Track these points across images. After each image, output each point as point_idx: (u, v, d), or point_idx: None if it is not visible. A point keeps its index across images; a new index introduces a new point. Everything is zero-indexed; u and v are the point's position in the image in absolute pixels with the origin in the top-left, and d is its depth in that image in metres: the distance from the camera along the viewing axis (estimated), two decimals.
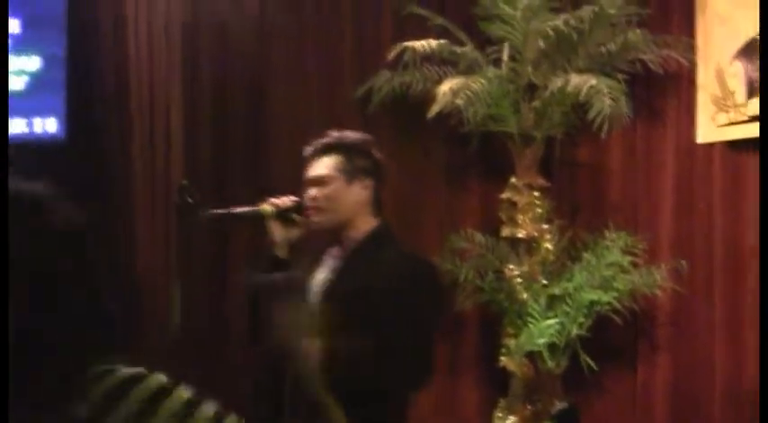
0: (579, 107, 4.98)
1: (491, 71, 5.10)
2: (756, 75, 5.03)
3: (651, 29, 5.22)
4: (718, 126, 5.22)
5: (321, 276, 3.33)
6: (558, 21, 5.03)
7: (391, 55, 5.24)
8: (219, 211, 3.27)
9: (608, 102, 4.75)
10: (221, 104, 5.78)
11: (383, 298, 3.14)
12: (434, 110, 4.96)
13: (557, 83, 4.93)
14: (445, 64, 5.29)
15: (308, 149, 3.37)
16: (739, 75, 5.12)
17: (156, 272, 5.68)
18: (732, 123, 5.16)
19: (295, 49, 5.76)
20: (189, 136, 5.73)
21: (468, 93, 4.90)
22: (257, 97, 5.77)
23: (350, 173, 3.29)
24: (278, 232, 3.34)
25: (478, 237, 5.32)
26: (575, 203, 5.53)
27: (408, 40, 5.25)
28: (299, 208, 3.31)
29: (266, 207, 3.32)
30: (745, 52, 5.10)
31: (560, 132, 5.27)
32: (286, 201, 3.34)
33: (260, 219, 3.31)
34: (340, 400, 2.93)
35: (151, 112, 5.81)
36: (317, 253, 3.38)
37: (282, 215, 3.31)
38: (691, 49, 5.24)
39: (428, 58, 5.25)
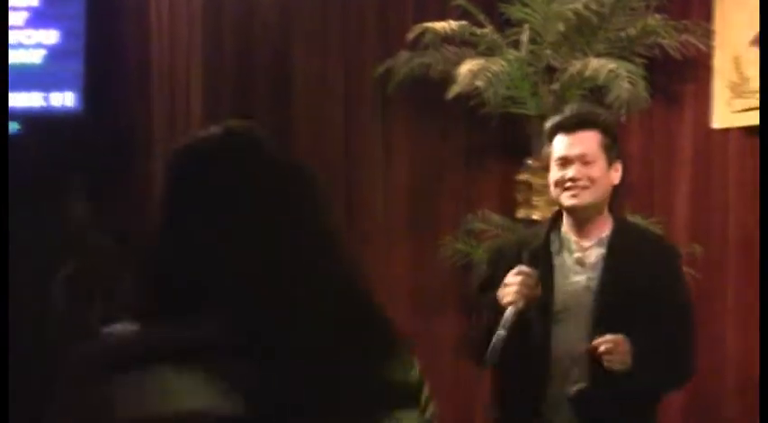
0: (597, 90, 5.00)
1: (511, 53, 5.12)
2: None
3: (670, 14, 5.24)
4: (734, 112, 5.24)
5: (577, 275, 3.13)
6: (579, 4, 5.04)
7: (411, 35, 5.26)
8: (490, 358, 2.86)
9: (626, 86, 4.78)
10: (243, 79, 5.80)
11: (659, 288, 3.07)
12: (454, 91, 4.97)
13: (576, 66, 4.95)
14: (465, 45, 5.30)
15: (557, 121, 3.19)
16: (756, 61, 5.13)
17: None
18: (748, 109, 5.18)
19: (318, 27, 5.77)
20: (210, 111, 5.74)
21: (488, 74, 4.92)
22: (279, 73, 5.78)
23: (609, 153, 3.12)
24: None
25: (495, 218, 5.35)
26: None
27: (429, 20, 5.28)
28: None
29: (513, 306, 2.93)
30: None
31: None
32: (524, 288, 2.96)
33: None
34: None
35: (171, 86, 5.83)
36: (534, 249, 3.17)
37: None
38: (709, 34, 5.26)
39: (448, 39, 5.27)
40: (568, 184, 3.07)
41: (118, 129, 5.80)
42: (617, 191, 3.20)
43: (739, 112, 5.21)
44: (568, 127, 3.13)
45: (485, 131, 5.43)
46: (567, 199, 3.09)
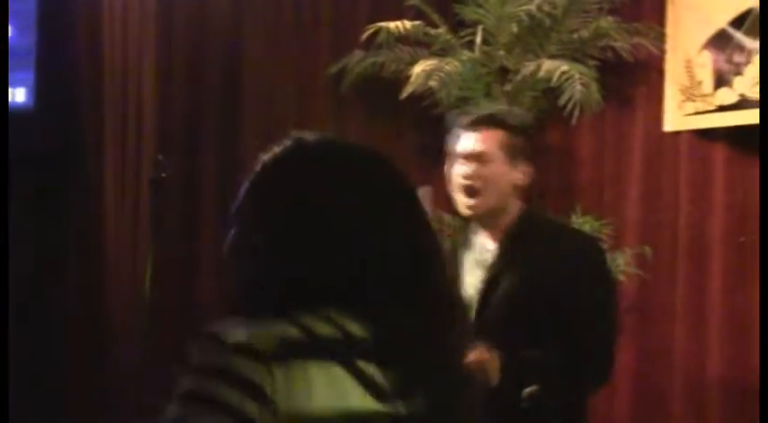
0: (550, 92, 5.02)
1: (465, 54, 5.13)
2: (725, 66, 5.10)
3: (623, 16, 5.27)
4: (686, 115, 5.27)
5: (474, 274, 3.02)
6: (532, 6, 5.06)
7: (365, 35, 5.25)
8: None
9: (579, 88, 4.81)
10: (195, 77, 5.76)
11: (563, 286, 2.87)
12: (408, 91, 4.98)
13: (529, 67, 4.97)
14: (419, 45, 5.31)
15: (465, 119, 3.09)
16: (707, 65, 5.17)
17: (126, 246, 5.65)
18: (699, 113, 5.22)
19: (271, 24, 5.75)
20: (162, 108, 5.70)
21: (441, 74, 4.93)
22: (231, 71, 5.75)
23: (512, 153, 3.00)
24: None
25: (447, 218, 5.35)
26: (543, 187, 5.58)
27: (383, 20, 5.28)
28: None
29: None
30: (714, 42, 5.15)
31: (531, 117, 5.31)
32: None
33: None
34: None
35: (123, 84, 5.78)
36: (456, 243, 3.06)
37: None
38: (661, 37, 5.29)
39: (402, 38, 5.27)
40: (463, 182, 3.00)
41: (69, 125, 5.75)
42: (532, 191, 3.13)
43: (690, 115, 5.25)
44: (472, 125, 3.06)
45: (438, 132, 5.42)
46: (462, 206, 3.03)
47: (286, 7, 5.76)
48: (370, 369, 1.47)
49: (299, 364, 1.42)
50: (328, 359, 1.44)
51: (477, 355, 2.78)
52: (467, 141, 3.03)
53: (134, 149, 5.67)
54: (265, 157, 1.61)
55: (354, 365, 1.46)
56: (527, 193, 3.09)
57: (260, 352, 1.40)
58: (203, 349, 1.43)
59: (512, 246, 2.98)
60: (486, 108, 3.23)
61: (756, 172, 5.06)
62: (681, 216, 5.30)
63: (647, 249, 5.17)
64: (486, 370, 2.78)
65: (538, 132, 5.41)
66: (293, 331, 1.44)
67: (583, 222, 5.23)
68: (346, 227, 1.51)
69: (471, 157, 2.99)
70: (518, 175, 3.02)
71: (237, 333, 1.42)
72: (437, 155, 5.64)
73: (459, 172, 3.02)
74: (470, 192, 2.98)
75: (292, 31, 5.76)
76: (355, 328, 1.47)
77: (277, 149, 1.61)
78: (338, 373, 1.45)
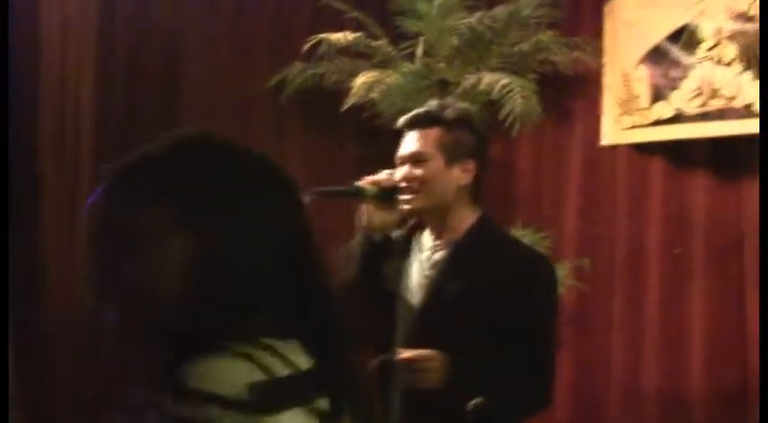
0: (490, 105, 5.05)
1: (405, 66, 5.14)
2: (661, 80, 5.17)
3: (562, 30, 5.32)
4: (623, 129, 5.33)
5: (416, 277, 2.93)
6: (473, 19, 5.10)
7: (307, 46, 5.25)
8: (318, 189, 2.74)
9: (519, 101, 4.84)
10: (134, 88, 5.70)
11: (506, 300, 2.77)
12: (349, 102, 4.99)
13: (469, 80, 5.00)
14: (359, 57, 5.31)
15: (402, 120, 3.00)
16: (644, 79, 5.24)
17: (63, 255, 5.57)
18: (636, 126, 5.28)
19: (211, 35, 5.72)
20: (100, 119, 5.64)
21: (382, 86, 4.94)
22: (170, 82, 5.69)
23: (451, 151, 2.88)
24: (377, 216, 2.91)
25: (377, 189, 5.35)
26: (483, 199, 5.60)
27: (324, 31, 5.27)
28: (396, 187, 2.89)
29: (367, 186, 2.91)
30: (650, 57, 5.22)
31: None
32: (386, 178, 2.93)
33: (359, 198, 2.94)
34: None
35: (62, 94, 5.70)
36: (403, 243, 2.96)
37: (384, 196, 2.89)
38: (599, 51, 5.35)
39: (342, 50, 5.28)
40: (401, 184, 2.89)
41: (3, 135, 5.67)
42: (478, 189, 2.97)
43: (627, 129, 5.30)
44: (410, 125, 2.98)
45: (378, 143, 5.43)
46: (403, 203, 2.90)
47: (225, 18, 5.73)
48: (323, 403, 1.41)
49: (275, 413, 1.35)
50: (296, 403, 1.37)
51: (420, 353, 2.73)
52: (404, 143, 2.96)
53: (72, 159, 5.60)
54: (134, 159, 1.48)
55: (314, 405, 1.40)
56: (478, 197, 2.98)
57: (249, 405, 1.32)
58: (188, 404, 1.29)
59: (462, 252, 2.88)
60: (425, 105, 3.05)
61: (692, 184, 5.15)
62: (618, 228, 5.36)
63: (586, 262, 5.21)
64: (429, 370, 2.71)
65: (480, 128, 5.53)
66: (256, 373, 1.33)
67: (522, 235, 5.25)
68: (242, 236, 1.38)
69: (408, 158, 2.91)
70: (458, 172, 2.89)
71: (217, 382, 1.31)
72: (378, 166, 5.68)
73: (399, 175, 2.91)
74: (408, 192, 2.87)
75: (232, 42, 5.72)
76: (296, 358, 1.39)
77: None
78: (301, 416, 1.38)
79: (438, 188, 2.86)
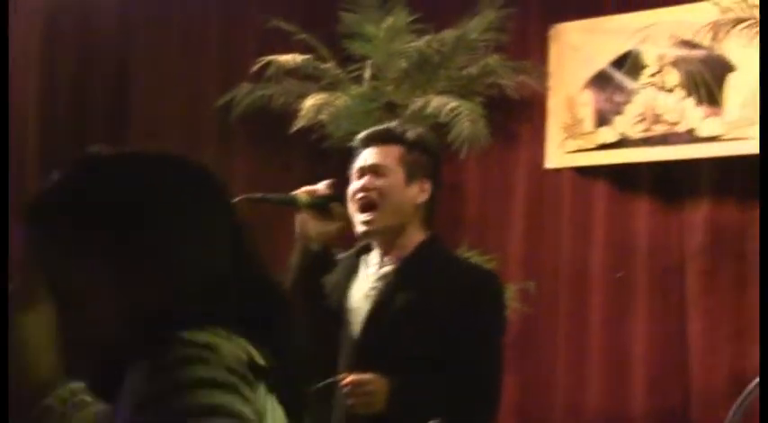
0: (438, 128, 5.08)
1: (354, 88, 5.16)
2: (606, 105, 5.23)
3: (508, 54, 5.37)
4: (567, 152, 5.38)
5: (362, 292, 2.87)
6: (421, 42, 5.14)
7: (256, 67, 5.25)
8: (251, 195, 2.73)
9: (467, 124, 4.88)
10: (81, 108, 5.66)
11: (453, 315, 2.73)
12: (298, 124, 5.00)
13: (417, 103, 5.03)
14: (307, 79, 5.33)
15: (363, 136, 2.95)
16: (589, 104, 5.30)
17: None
18: (581, 150, 5.34)
19: (158, 56, 5.70)
20: (46, 141, 5.59)
21: (331, 109, 4.95)
22: (118, 102, 5.66)
23: (411, 169, 2.85)
24: (312, 226, 2.82)
25: (335, 250, 5.35)
26: (434, 222, 5.61)
27: (272, 53, 5.28)
28: (338, 197, 2.83)
29: (301, 195, 2.84)
30: (595, 82, 5.29)
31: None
32: (323, 188, 2.86)
33: (293, 207, 2.85)
34: None
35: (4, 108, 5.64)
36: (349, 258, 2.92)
37: (318, 204, 2.82)
38: (544, 76, 5.40)
39: (290, 72, 5.28)
40: (359, 194, 2.82)
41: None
42: (431, 211, 2.95)
43: (572, 152, 5.36)
44: (370, 141, 2.92)
45: (326, 165, 5.44)
46: (358, 223, 2.83)
47: (174, 39, 5.72)
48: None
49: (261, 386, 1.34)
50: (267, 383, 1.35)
51: (362, 378, 2.68)
52: (363, 157, 2.89)
53: (15, 176, 5.54)
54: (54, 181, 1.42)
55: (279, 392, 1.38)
56: (430, 219, 2.96)
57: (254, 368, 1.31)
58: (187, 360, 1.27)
59: (410, 266, 2.83)
60: (383, 125, 3.03)
61: (635, 208, 5.22)
62: (562, 251, 5.40)
63: (531, 284, 5.24)
64: (371, 394, 2.66)
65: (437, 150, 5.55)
66: (238, 352, 1.32)
67: (469, 257, 5.27)
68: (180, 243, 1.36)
69: (368, 170, 2.85)
70: (416, 192, 2.86)
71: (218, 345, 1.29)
72: None
73: (354, 187, 2.85)
74: (366, 206, 2.80)
75: (180, 62, 5.71)
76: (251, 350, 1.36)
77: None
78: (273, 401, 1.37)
79: (396, 203, 2.82)
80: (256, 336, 1.36)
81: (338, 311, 2.86)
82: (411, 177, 2.85)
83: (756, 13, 4.58)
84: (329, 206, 2.82)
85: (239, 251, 1.42)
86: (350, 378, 2.68)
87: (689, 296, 5.04)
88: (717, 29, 4.74)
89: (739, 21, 4.63)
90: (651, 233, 5.17)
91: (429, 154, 2.94)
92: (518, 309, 5.24)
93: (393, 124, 3.01)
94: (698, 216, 5.04)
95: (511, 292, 5.19)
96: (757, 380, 2.08)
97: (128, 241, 1.34)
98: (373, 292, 2.85)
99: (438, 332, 2.73)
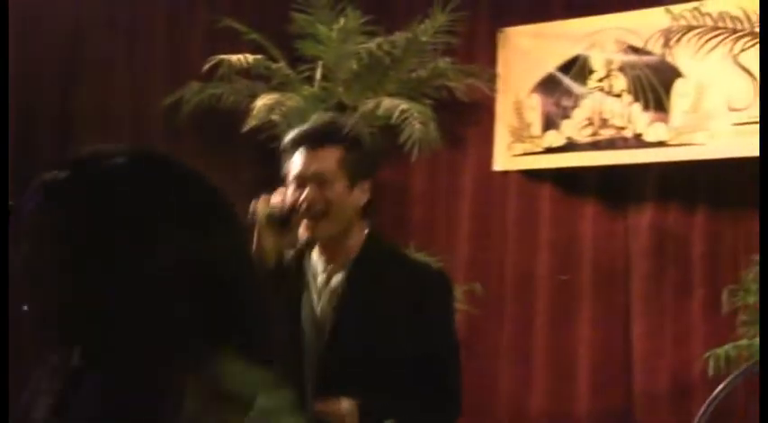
0: (387, 129, 5.09)
1: (305, 89, 5.16)
2: (553, 109, 5.27)
3: (458, 58, 5.40)
4: (514, 155, 5.42)
5: (316, 304, 2.77)
6: (372, 44, 5.15)
7: (206, 67, 5.22)
8: None
9: (418, 126, 4.90)
10: (26, 105, 5.58)
11: (410, 323, 2.68)
12: (250, 124, 4.98)
13: (368, 105, 5.04)
14: (256, 79, 5.31)
15: (295, 136, 2.78)
16: (536, 108, 5.34)
17: None
18: (527, 154, 5.37)
19: (105, 55, 5.64)
20: None
21: (283, 109, 4.94)
22: (64, 102, 5.59)
23: (353, 172, 2.71)
24: (267, 240, 2.71)
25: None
26: (377, 223, 5.62)
27: (220, 53, 5.26)
28: (297, 210, 2.69)
29: (261, 208, 2.73)
30: (543, 86, 5.32)
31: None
32: (280, 201, 2.74)
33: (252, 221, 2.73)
34: None
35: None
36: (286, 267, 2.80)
37: (276, 219, 2.71)
38: (493, 79, 5.43)
39: (240, 72, 5.27)
40: (304, 205, 2.69)
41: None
42: (369, 206, 2.82)
43: (519, 155, 5.40)
44: (307, 142, 2.75)
45: (275, 165, 5.42)
46: (305, 233, 2.73)
47: (120, 38, 5.65)
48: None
49: None
50: None
51: (333, 406, 2.63)
52: (301, 161, 2.75)
53: None
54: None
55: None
56: (370, 213, 2.85)
57: None
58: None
59: (358, 277, 2.75)
60: (318, 120, 2.88)
61: (581, 212, 5.26)
62: (508, 254, 5.44)
63: (477, 286, 5.27)
64: (334, 417, 2.61)
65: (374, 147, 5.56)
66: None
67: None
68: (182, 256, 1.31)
69: (308, 178, 2.71)
70: (359, 195, 2.75)
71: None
72: (273, 189, 5.67)
73: (297, 197, 2.71)
74: (312, 216, 2.69)
75: (126, 61, 5.65)
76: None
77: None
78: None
79: (342, 211, 2.71)
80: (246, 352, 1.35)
81: (295, 325, 2.75)
82: (353, 181, 2.73)
83: (709, 21, 4.64)
84: (288, 221, 2.72)
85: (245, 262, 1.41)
86: (323, 406, 2.62)
87: (633, 299, 5.10)
88: (667, 36, 4.79)
89: (690, 29, 4.69)
90: (597, 237, 5.22)
91: (367, 151, 2.81)
92: (464, 310, 5.27)
93: (327, 120, 2.87)
94: (643, 220, 5.09)
95: (457, 294, 5.23)
96: (722, 385, 2.11)
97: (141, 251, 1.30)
98: (327, 314, 2.76)
99: (398, 336, 2.68)
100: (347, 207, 2.72)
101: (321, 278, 2.77)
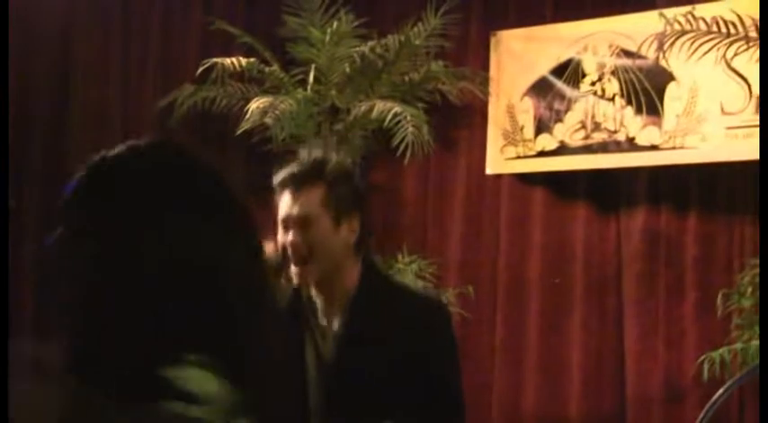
0: (380, 132, 5.10)
1: (298, 92, 5.16)
2: (545, 112, 5.28)
3: (451, 61, 5.41)
4: (507, 159, 5.42)
5: (318, 350, 2.70)
6: (365, 47, 5.16)
7: (200, 69, 5.21)
8: None
9: (411, 129, 4.90)
10: (20, 108, 5.57)
11: (416, 358, 2.61)
12: (244, 127, 4.97)
13: (361, 108, 5.04)
14: (250, 82, 5.31)
15: (281, 176, 2.70)
16: (529, 111, 5.35)
17: None
18: (520, 157, 5.38)
19: (99, 57, 5.64)
20: None
21: (276, 112, 4.94)
22: (57, 103, 5.58)
23: (336, 210, 2.64)
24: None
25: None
26: (369, 226, 5.63)
27: (213, 56, 5.25)
28: (287, 260, 2.63)
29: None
30: (535, 89, 5.33)
31: (359, 156, 5.37)
32: (273, 249, 2.65)
33: None
34: None
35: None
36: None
37: (272, 265, 2.63)
38: (486, 82, 5.44)
39: (233, 75, 5.27)
40: (290, 249, 2.63)
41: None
42: (362, 240, 2.72)
43: (511, 159, 5.40)
44: (292, 184, 2.67)
45: (267, 167, 5.41)
46: (295, 276, 2.67)
47: (114, 41, 5.66)
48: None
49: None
50: None
51: None
52: (286, 204, 2.68)
53: None
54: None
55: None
56: (364, 246, 2.76)
57: None
58: None
59: (358, 320, 2.70)
60: (304, 159, 2.74)
61: (573, 215, 5.27)
62: (501, 257, 5.45)
63: (469, 289, 5.27)
64: None
65: (364, 172, 5.55)
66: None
67: (408, 262, 5.31)
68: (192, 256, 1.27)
69: (292, 221, 2.65)
70: (346, 232, 2.67)
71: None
72: (263, 193, 5.66)
73: (283, 240, 2.67)
74: (299, 260, 2.63)
75: (120, 63, 5.65)
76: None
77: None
78: None
79: (327, 252, 2.64)
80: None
81: (294, 372, 2.71)
82: (338, 219, 2.65)
83: (702, 25, 4.64)
84: (280, 269, 2.65)
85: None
86: None
87: (625, 302, 5.11)
88: (661, 40, 4.79)
89: (683, 33, 4.69)
90: (589, 240, 5.23)
91: (352, 185, 2.73)
92: (456, 313, 5.28)
93: (312, 159, 2.74)
94: (635, 223, 5.10)
95: (450, 296, 5.24)
96: (723, 388, 2.11)
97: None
98: (332, 349, 2.70)
99: (403, 371, 2.61)
100: (333, 246, 2.65)
101: (321, 323, 2.73)
